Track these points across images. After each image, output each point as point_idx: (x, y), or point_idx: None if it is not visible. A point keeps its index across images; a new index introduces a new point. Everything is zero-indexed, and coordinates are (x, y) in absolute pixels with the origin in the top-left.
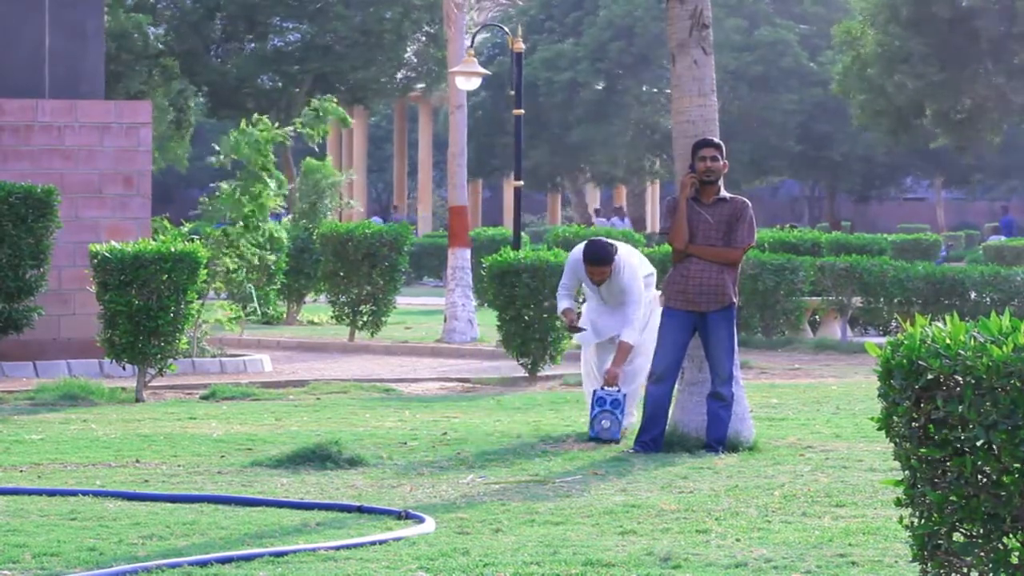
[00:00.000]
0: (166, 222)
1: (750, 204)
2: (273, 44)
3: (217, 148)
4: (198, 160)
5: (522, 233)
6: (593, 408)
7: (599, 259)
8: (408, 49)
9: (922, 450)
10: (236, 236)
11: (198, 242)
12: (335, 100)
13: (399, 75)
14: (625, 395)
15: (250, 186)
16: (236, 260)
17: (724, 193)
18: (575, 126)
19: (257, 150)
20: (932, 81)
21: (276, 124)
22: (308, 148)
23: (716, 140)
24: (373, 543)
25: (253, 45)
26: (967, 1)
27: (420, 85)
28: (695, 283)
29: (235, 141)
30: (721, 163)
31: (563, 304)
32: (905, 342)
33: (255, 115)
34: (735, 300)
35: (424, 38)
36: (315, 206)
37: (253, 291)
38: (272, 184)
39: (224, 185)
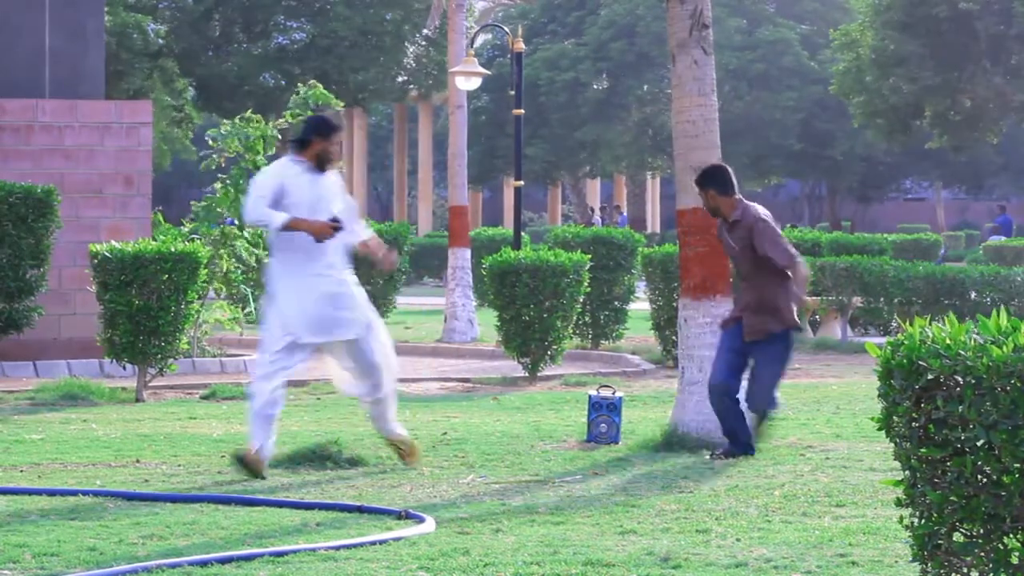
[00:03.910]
0: (160, 216)
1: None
2: (277, 42)
3: (210, 140)
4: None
5: (522, 233)
6: (591, 412)
7: (336, 127)
8: (408, 53)
9: (922, 450)
10: (233, 236)
11: (198, 242)
12: (319, 85)
13: (399, 79)
14: (621, 398)
15: (242, 183)
16: (232, 260)
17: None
18: (577, 125)
19: (249, 147)
20: (926, 84)
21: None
22: None
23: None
24: (373, 543)
25: (253, 44)
26: (964, 2)
27: (419, 89)
28: None
29: (227, 135)
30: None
31: (279, 217)
32: (905, 342)
33: (249, 112)
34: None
35: (424, 42)
36: None
37: (250, 293)
38: None
39: (218, 184)
